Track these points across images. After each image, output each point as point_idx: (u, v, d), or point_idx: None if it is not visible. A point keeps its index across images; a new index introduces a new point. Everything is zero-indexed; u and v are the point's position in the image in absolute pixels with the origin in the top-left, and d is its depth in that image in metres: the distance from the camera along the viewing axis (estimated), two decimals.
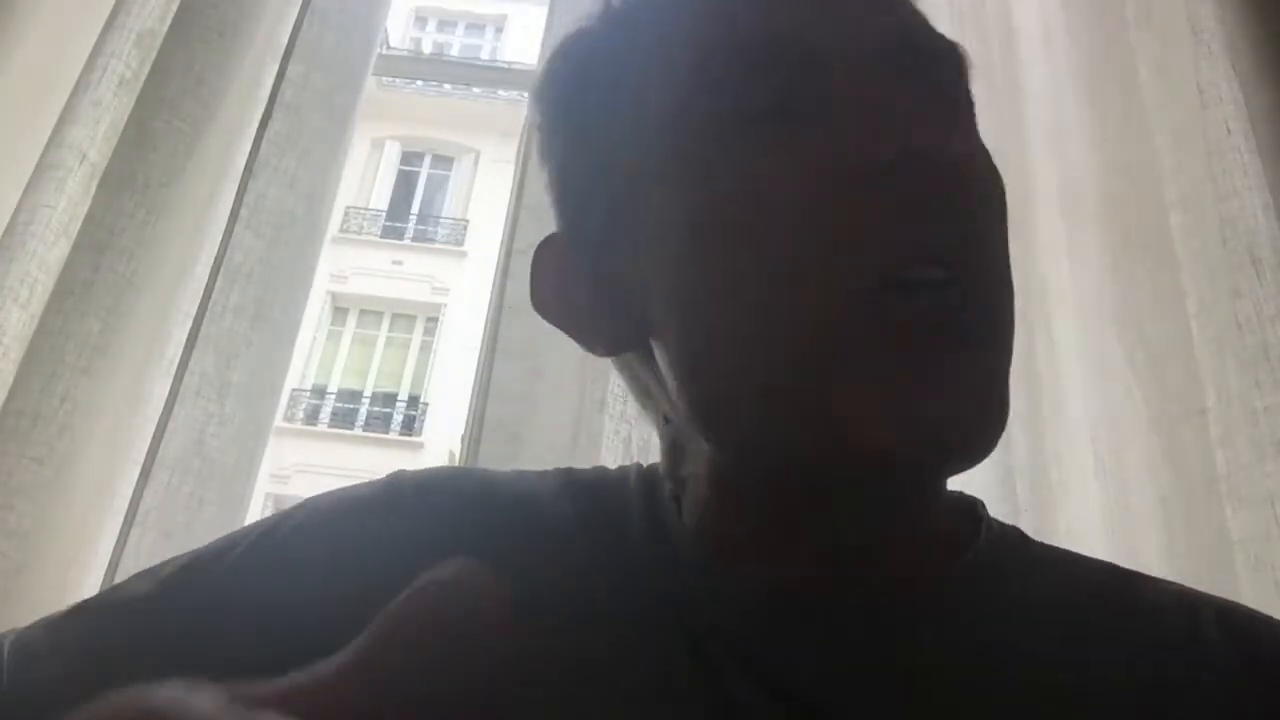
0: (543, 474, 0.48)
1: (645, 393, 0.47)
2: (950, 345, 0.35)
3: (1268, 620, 0.43)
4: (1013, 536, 0.45)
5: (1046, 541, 0.47)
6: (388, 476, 0.48)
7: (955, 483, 0.43)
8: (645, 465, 0.48)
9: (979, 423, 0.35)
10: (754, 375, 0.37)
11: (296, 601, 0.41)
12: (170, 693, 0.19)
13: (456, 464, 0.89)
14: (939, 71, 0.41)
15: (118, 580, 0.77)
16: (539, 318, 0.47)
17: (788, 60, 0.39)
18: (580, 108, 0.46)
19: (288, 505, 0.48)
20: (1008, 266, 0.39)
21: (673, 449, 0.45)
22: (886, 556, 0.40)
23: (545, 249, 0.47)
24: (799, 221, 0.36)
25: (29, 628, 0.44)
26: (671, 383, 0.41)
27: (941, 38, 0.42)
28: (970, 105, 0.43)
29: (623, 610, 0.40)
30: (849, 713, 0.37)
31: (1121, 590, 0.43)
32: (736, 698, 0.37)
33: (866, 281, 0.35)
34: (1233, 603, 0.43)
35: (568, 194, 0.47)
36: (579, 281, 0.45)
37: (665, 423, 0.46)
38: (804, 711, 0.37)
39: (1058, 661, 0.39)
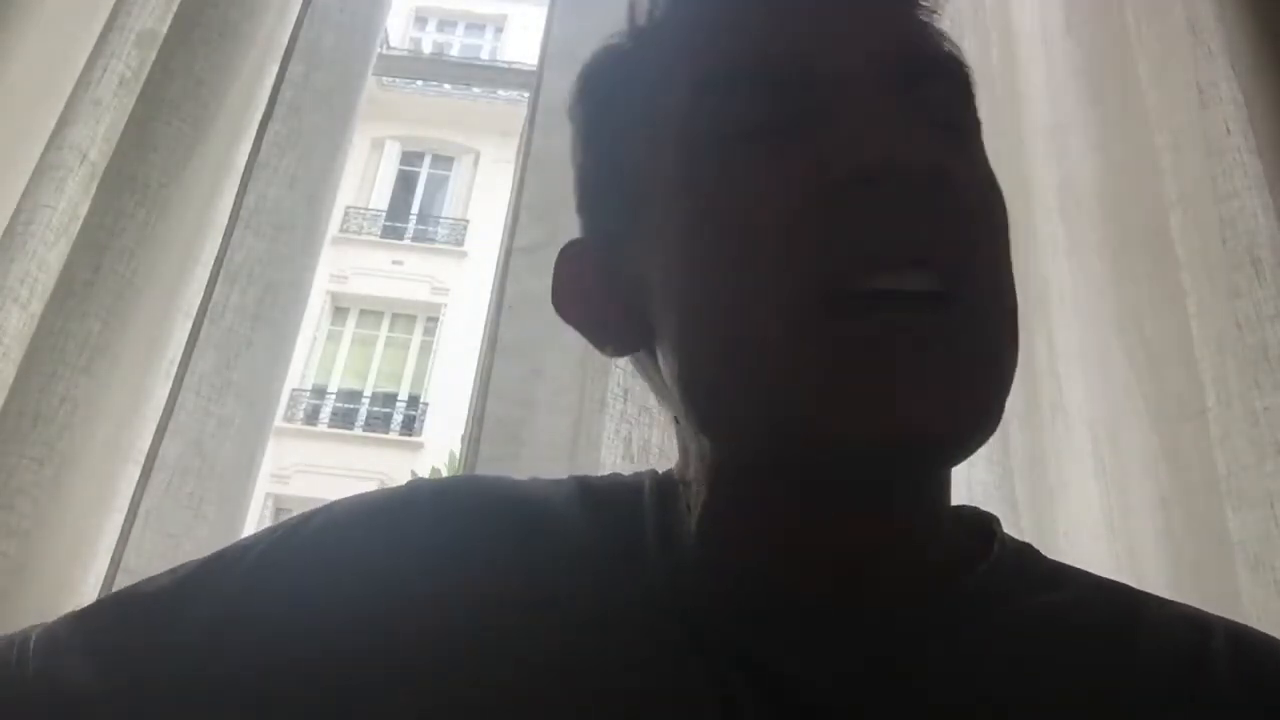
0: (557, 481, 0.49)
1: (660, 394, 0.47)
2: (928, 350, 0.36)
3: (1278, 644, 0.43)
4: (1025, 554, 0.46)
5: (1045, 541, 0.47)
6: (407, 484, 0.49)
7: (957, 480, 0.44)
8: (661, 472, 0.49)
9: (957, 425, 0.36)
10: (740, 374, 0.38)
11: (314, 603, 0.42)
12: None
13: (457, 463, 0.89)
14: (936, 90, 0.41)
15: (118, 581, 0.77)
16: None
17: (784, 78, 0.40)
18: (600, 118, 0.48)
19: (288, 505, 0.48)
20: (1008, 283, 0.39)
21: (682, 451, 0.47)
22: (887, 565, 0.40)
23: (567, 251, 0.49)
24: (782, 229, 0.37)
25: (56, 621, 0.46)
26: (670, 382, 0.42)
27: (948, 57, 0.42)
28: (974, 126, 0.43)
29: (634, 615, 0.41)
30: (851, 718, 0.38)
31: (1131, 609, 0.44)
32: (741, 702, 0.38)
33: (846, 285, 0.36)
34: (1245, 626, 0.43)
35: (587, 199, 0.49)
36: (595, 283, 0.47)
37: (676, 424, 0.47)
38: (807, 716, 0.37)
39: (1062, 678, 0.39)
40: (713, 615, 0.40)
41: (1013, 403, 0.38)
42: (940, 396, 0.35)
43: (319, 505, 0.48)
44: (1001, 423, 0.38)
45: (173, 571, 0.47)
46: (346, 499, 0.48)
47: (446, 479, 0.50)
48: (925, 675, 0.39)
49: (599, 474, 0.52)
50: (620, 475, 0.51)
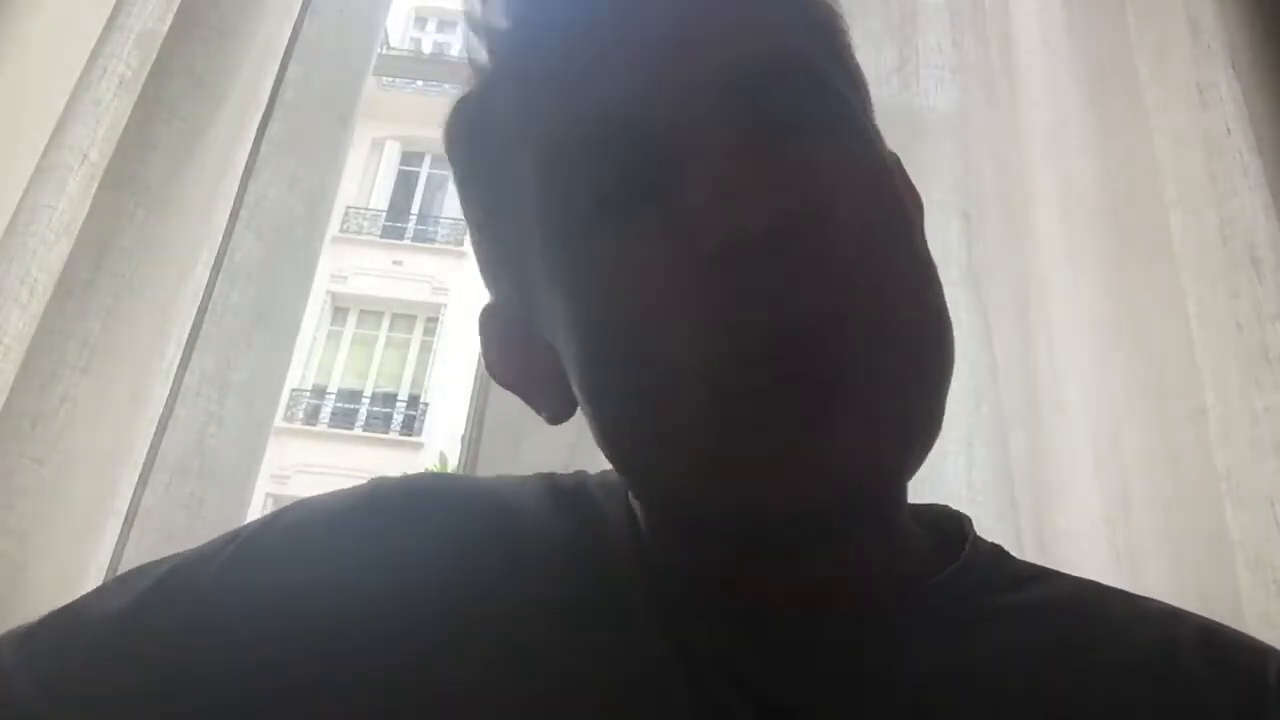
0: (524, 479, 0.48)
1: None
2: (838, 393, 0.34)
3: (1250, 642, 0.42)
4: (994, 554, 0.45)
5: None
6: (370, 483, 0.47)
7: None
8: None
9: (878, 459, 0.35)
10: (646, 456, 0.38)
11: (283, 609, 0.41)
12: None
13: (450, 464, 0.88)
14: (785, 93, 0.38)
15: None
16: None
17: (625, 138, 0.37)
18: (468, 182, 0.45)
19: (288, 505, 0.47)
20: (919, 278, 0.38)
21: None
22: (847, 578, 0.40)
23: (488, 315, 0.47)
24: (660, 311, 0.35)
25: (4, 640, 0.43)
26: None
27: (787, 52, 0.39)
28: (838, 112, 0.39)
29: (609, 615, 0.40)
30: None
31: (1100, 607, 0.43)
32: (718, 705, 0.37)
33: (734, 381, 0.34)
34: (1217, 623, 0.43)
35: (481, 265, 0.47)
36: (519, 348, 0.45)
37: None
38: (783, 717, 0.37)
39: (1032, 678, 0.39)
40: (686, 617, 0.40)
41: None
42: (857, 444, 0.34)
43: (278, 509, 0.46)
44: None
45: (129, 584, 0.44)
46: (308, 500, 0.47)
47: (411, 477, 0.48)
48: (896, 676, 0.38)
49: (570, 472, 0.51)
50: (586, 473, 0.50)
